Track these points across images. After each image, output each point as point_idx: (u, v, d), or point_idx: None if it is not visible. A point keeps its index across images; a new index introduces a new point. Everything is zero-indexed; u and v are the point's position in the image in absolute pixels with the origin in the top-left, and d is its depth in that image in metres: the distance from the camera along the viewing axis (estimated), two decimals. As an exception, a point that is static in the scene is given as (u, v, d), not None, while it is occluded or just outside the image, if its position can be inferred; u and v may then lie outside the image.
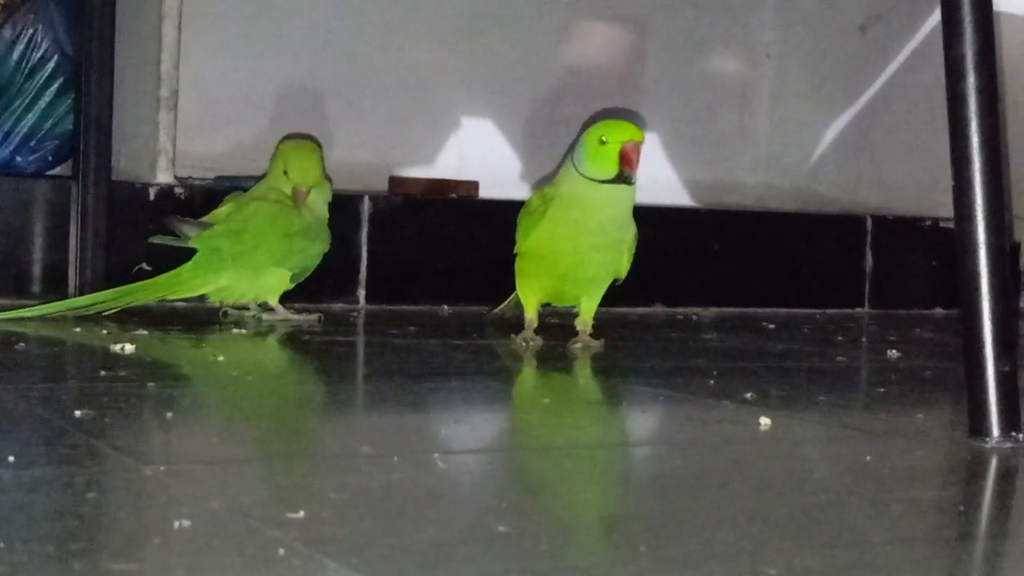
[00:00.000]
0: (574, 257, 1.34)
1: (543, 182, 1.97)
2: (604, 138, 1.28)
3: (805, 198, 2.14)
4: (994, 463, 0.81)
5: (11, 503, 0.61)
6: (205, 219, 1.49)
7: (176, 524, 0.57)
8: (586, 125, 1.39)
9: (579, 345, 1.35)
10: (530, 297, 1.38)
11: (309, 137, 1.58)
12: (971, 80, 0.87)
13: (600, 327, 1.40)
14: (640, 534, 0.60)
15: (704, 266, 1.94)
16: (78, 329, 1.34)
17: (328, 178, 1.55)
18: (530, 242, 1.35)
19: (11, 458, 0.70)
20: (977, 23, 0.87)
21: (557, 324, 1.55)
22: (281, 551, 0.54)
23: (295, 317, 1.49)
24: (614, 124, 1.29)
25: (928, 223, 2.10)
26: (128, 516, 0.60)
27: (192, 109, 1.74)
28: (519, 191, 1.96)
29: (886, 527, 0.63)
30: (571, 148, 1.35)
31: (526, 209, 1.38)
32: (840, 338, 1.61)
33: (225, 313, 1.50)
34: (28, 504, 0.61)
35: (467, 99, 1.95)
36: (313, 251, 1.49)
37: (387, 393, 1.05)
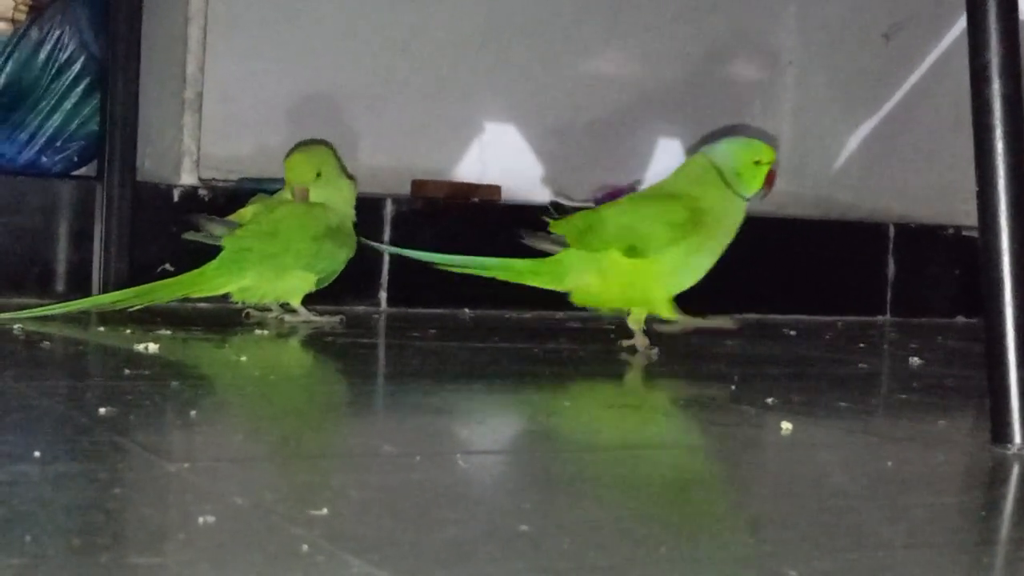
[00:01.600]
0: (706, 269, 1.34)
1: (564, 186, 1.98)
2: (759, 159, 1.32)
3: (827, 205, 2.14)
4: (1016, 470, 0.81)
5: (37, 497, 0.62)
6: (231, 218, 1.50)
7: (200, 520, 0.57)
8: (703, 141, 1.43)
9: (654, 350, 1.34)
10: (664, 305, 1.34)
11: (321, 141, 1.58)
12: (996, 87, 0.87)
13: (620, 331, 1.40)
14: (661, 535, 0.61)
15: (725, 273, 1.94)
16: (102, 328, 1.35)
17: (351, 177, 1.55)
18: (673, 252, 1.32)
19: (37, 453, 0.70)
20: (1002, 30, 0.87)
21: (579, 328, 1.55)
22: (304, 547, 0.54)
23: (317, 319, 1.49)
24: (765, 147, 1.34)
25: (951, 231, 2.10)
26: (153, 511, 0.61)
27: (217, 111, 1.74)
28: (540, 195, 1.96)
29: (906, 532, 0.63)
30: (691, 163, 1.35)
31: (669, 219, 1.32)
32: (862, 345, 1.61)
33: (247, 314, 1.51)
34: (54, 499, 0.62)
35: (490, 104, 1.96)
36: (340, 256, 1.50)
37: (409, 394, 1.06)
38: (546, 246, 1.38)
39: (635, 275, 1.33)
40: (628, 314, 1.37)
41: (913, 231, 2.09)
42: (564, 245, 1.36)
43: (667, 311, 1.34)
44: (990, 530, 0.67)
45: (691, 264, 1.33)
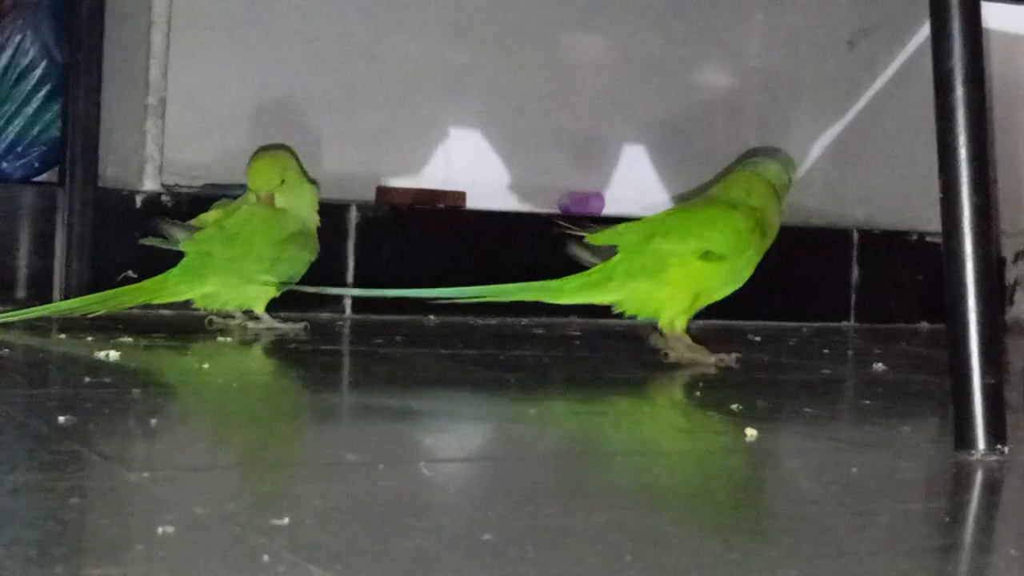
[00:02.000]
0: (745, 280, 1.34)
1: (535, 193, 1.98)
2: (792, 177, 1.40)
3: (792, 211, 2.14)
4: (979, 475, 0.81)
5: (-6, 508, 0.61)
6: (192, 222, 1.49)
7: (160, 530, 0.57)
8: (743, 156, 1.49)
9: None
10: (680, 314, 1.33)
11: (282, 145, 1.57)
12: (959, 94, 0.87)
13: (585, 338, 1.40)
14: (625, 543, 0.60)
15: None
16: (62, 336, 1.34)
17: (313, 181, 1.55)
18: (740, 260, 1.32)
19: (-6, 463, 0.69)
20: (966, 37, 0.88)
21: (543, 334, 1.55)
22: (265, 557, 0.54)
23: (281, 326, 1.49)
24: (795, 166, 1.41)
25: (914, 237, 2.11)
26: (111, 522, 0.60)
27: (180, 117, 1.73)
28: (506, 201, 1.96)
29: (871, 538, 0.63)
30: (743, 177, 1.36)
31: (733, 225, 1.32)
32: (826, 351, 1.61)
33: (210, 321, 1.50)
34: (10, 509, 0.61)
35: (455, 110, 1.95)
36: (301, 259, 1.50)
37: (373, 401, 1.05)
38: (595, 260, 1.32)
39: (702, 280, 1.32)
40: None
41: (877, 237, 2.10)
42: (606, 257, 1.32)
43: (670, 326, 1.33)
44: (954, 536, 0.67)
45: (744, 273, 1.34)
